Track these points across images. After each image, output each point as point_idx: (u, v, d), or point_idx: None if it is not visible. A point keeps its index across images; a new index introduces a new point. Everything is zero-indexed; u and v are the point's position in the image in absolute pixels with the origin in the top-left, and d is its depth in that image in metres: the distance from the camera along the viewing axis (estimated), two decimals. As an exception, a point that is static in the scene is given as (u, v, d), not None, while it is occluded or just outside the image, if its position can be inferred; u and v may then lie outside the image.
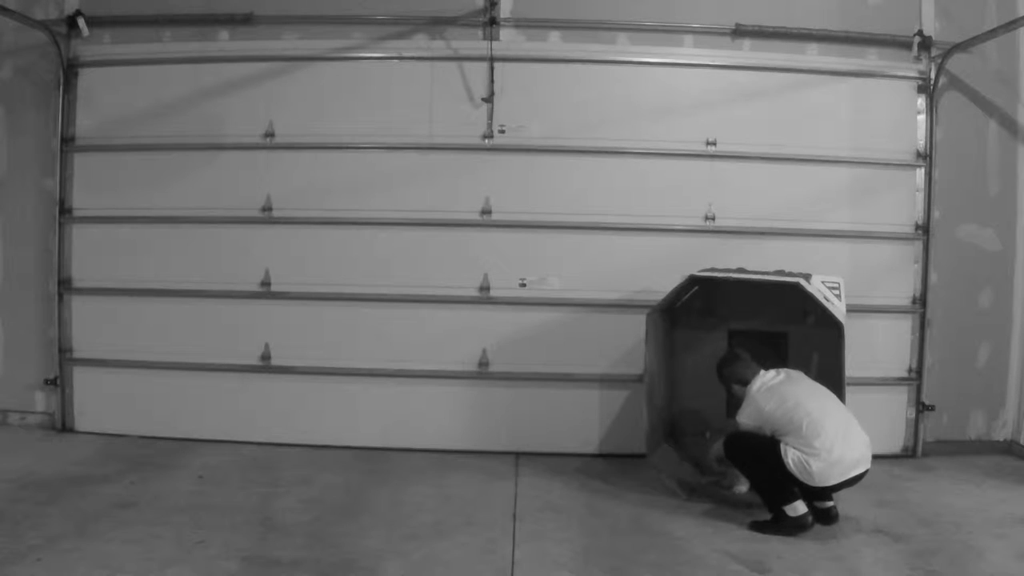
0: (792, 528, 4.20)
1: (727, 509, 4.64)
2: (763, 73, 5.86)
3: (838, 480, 4.15)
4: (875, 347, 5.83)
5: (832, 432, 4.17)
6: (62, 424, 6.03)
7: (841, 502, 4.44)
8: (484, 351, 5.86)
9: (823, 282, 4.89)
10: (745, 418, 4.46)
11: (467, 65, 5.83)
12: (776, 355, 5.32)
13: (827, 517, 4.34)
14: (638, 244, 5.83)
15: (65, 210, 6.01)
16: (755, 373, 4.55)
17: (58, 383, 6.02)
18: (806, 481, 4.15)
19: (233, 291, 5.92)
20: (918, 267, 5.94)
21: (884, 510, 4.67)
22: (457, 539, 4.12)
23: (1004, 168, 5.98)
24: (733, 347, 4.89)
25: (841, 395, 4.64)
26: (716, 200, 5.85)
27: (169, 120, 5.96)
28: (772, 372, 4.55)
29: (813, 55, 5.93)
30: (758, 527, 4.29)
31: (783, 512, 4.23)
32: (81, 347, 6.06)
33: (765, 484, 4.31)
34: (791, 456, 4.16)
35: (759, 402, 4.40)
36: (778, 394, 4.38)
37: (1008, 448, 5.95)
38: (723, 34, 5.89)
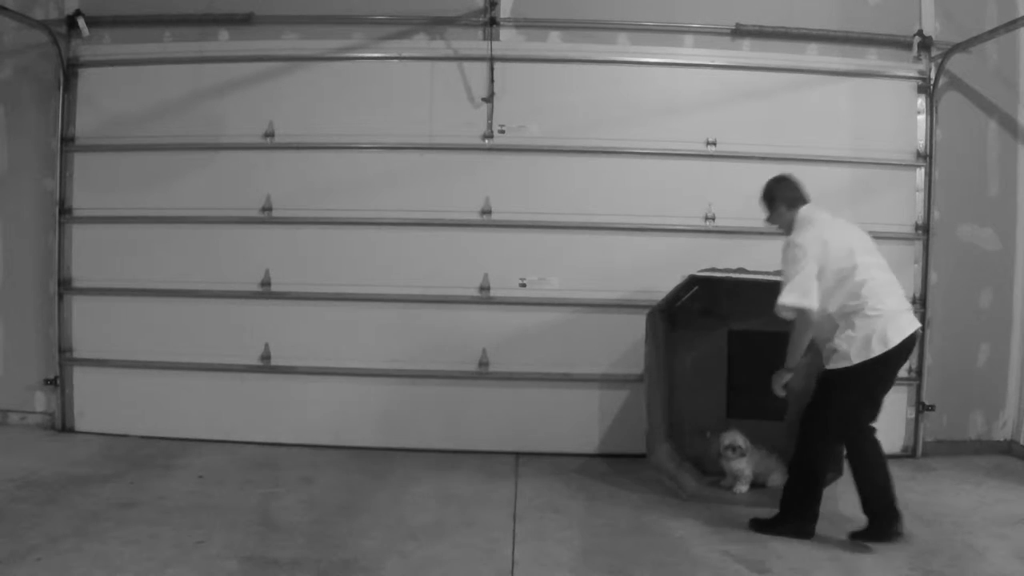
0: (796, 533, 4.15)
1: (727, 509, 4.64)
2: (763, 73, 5.86)
3: (912, 330, 3.99)
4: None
5: (896, 291, 4.06)
6: (62, 424, 6.03)
7: (841, 501, 4.44)
8: (484, 351, 5.86)
9: (823, 282, 4.89)
10: (806, 240, 4.02)
11: (467, 65, 5.84)
12: (776, 355, 5.35)
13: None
14: (638, 244, 5.84)
15: (65, 210, 6.01)
16: (804, 203, 4.24)
17: (58, 383, 6.03)
18: (882, 349, 3.89)
19: (233, 291, 5.92)
20: (918, 267, 5.94)
21: (884, 510, 4.67)
22: (457, 539, 4.12)
23: (1004, 168, 5.98)
24: None
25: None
26: (716, 200, 5.86)
27: (169, 120, 5.96)
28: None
29: (813, 55, 5.93)
30: (760, 527, 4.24)
31: (796, 516, 4.16)
32: (81, 347, 6.06)
33: (804, 480, 4.12)
34: (866, 332, 3.90)
35: (820, 229, 4.06)
36: (834, 228, 4.11)
37: (1008, 448, 5.95)
38: (723, 34, 5.89)
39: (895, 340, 3.93)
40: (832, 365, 4.06)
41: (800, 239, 4.07)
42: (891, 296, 4.05)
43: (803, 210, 4.21)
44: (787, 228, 4.25)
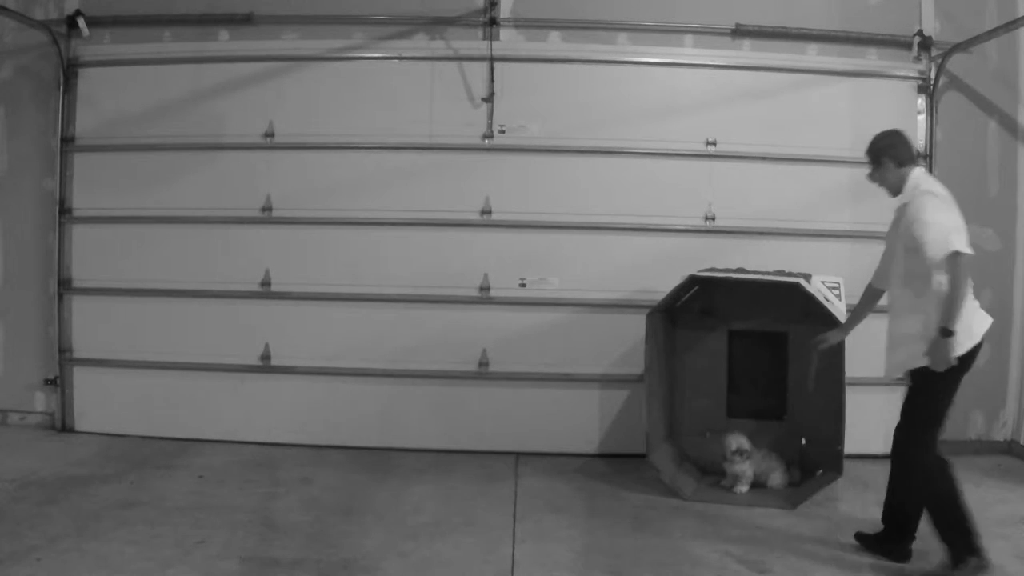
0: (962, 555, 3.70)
1: (727, 509, 4.64)
2: (763, 73, 5.86)
3: (988, 324, 3.81)
4: (875, 347, 5.82)
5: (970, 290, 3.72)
6: (62, 424, 6.03)
7: (842, 502, 4.44)
8: (484, 351, 5.86)
9: (823, 282, 4.90)
10: (942, 194, 3.77)
11: (467, 65, 5.83)
12: (776, 355, 5.35)
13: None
14: (638, 244, 5.83)
15: (65, 210, 6.01)
16: (915, 164, 3.90)
17: (58, 383, 6.02)
18: (971, 343, 3.67)
19: (233, 291, 5.92)
20: (918, 267, 5.93)
21: (884, 510, 4.66)
22: (457, 539, 4.12)
23: (1004, 168, 5.98)
24: None
25: (841, 395, 4.64)
26: (716, 200, 5.86)
27: (169, 120, 5.95)
28: None
29: (813, 55, 5.93)
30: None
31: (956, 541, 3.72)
32: (81, 347, 6.06)
33: (937, 505, 3.82)
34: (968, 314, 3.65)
35: (944, 197, 3.77)
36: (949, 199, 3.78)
37: (1008, 448, 5.94)
38: (723, 34, 5.89)
39: (979, 333, 3.74)
40: (921, 364, 3.73)
41: (938, 191, 3.82)
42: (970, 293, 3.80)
43: (917, 171, 3.91)
44: (892, 188, 3.94)
